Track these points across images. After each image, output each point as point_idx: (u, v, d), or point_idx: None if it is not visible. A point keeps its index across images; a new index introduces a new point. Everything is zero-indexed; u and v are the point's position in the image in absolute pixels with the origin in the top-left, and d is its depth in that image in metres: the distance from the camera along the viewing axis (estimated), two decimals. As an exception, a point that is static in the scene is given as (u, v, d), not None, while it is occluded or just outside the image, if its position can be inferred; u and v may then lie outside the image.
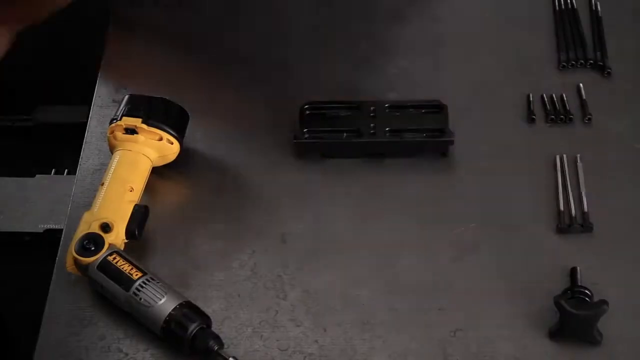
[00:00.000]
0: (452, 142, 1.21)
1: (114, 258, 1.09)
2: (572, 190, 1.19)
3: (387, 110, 1.23)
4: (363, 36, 1.38)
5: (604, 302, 1.03)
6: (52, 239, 1.39)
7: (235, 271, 1.15)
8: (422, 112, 1.24)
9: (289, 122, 1.28)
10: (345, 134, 1.22)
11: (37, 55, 2.61)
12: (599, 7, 1.39)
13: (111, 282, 1.08)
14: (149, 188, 1.20)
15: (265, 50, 1.38)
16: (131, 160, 1.18)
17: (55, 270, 1.15)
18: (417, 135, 1.22)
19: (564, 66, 1.33)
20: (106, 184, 1.16)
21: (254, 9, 1.44)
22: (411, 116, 1.23)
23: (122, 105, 1.21)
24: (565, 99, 1.29)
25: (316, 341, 1.08)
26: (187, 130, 1.24)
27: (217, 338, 1.05)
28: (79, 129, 1.31)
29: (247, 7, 1.44)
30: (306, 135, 1.23)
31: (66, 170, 1.78)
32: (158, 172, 1.23)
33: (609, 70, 1.31)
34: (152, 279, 1.07)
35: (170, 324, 1.04)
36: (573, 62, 1.33)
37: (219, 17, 1.43)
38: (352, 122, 1.23)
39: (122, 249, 1.12)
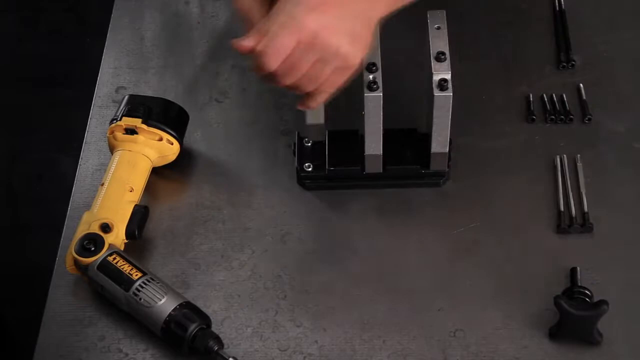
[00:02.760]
0: (444, 175, 1.20)
1: (114, 258, 1.09)
2: (572, 190, 1.19)
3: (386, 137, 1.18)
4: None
5: (604, 302, 1.03)
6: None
7: (235, 271, 1.15)
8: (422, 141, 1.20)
9: (290, 123, 1.28)
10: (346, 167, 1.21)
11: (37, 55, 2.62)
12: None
13: (111, 282, 1.08)
14: (149, 188, 1.20)
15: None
16: (131, 160, 1.18)
17: (55, 270, 1.15)
18: (415, 168, 1.20)
19: (564, 66, 1.33)
20: (106, 184, 1.16)
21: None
22: (411, 144, 1.21)
23: (122, 106, 1.21)
24: (565, 99, 1.29)
25: (316, 341, 1.08)
26: (187, 130, 1.24)
27: (217, 338, 1.05)
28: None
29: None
30: (310, 169, 1.21)
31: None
32: (158, 172, 1.23)
33: (572, 62, 1.32)
34: (152, 280, 1.07)
35: (170, 324, 1.04)
36: (573, 62, 1.33)
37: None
38: (351, 152, 1.20)
39: (122, 249, 1.12)
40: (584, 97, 1.29)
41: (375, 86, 1.10)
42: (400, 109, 1.20)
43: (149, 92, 1.33)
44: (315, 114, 1.15)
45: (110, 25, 1.43)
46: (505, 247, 1.15)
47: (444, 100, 1.11)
